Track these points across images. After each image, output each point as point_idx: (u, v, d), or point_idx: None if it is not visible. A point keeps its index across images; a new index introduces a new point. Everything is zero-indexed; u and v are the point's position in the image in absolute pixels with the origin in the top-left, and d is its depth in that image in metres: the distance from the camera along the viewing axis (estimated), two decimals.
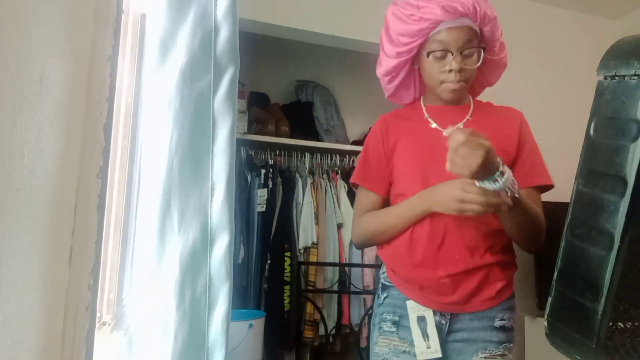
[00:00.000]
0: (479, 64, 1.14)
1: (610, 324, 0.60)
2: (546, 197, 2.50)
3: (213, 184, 0.61)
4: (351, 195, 2.95)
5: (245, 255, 2.71)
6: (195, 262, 0.60)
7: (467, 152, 0.91)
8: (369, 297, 2.84)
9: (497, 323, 1.14)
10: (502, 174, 0.96)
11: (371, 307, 2.59)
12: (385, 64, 1.21)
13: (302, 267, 2.85)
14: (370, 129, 1.39)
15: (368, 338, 2.59)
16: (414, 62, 1.20)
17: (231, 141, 0.63)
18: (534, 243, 1.16)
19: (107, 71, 0.61)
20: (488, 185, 0.97)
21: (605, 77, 0.62)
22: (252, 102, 3.05)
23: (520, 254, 2.65)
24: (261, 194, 2.77)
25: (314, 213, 2.87)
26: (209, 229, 0.61)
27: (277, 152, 3.01)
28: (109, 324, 0.94)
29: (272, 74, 3.38)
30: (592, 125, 0.64)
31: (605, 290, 0.59)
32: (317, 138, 3.15)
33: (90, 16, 0.59)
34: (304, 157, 3.09)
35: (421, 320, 1.13)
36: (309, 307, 2.82)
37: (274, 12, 2.32)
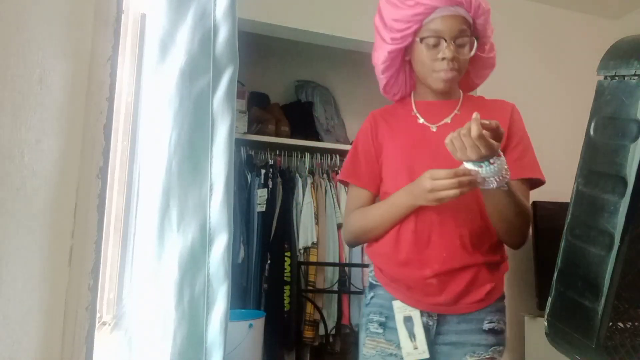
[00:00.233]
0: (472, 53, 1.13)
1: (610, 324, 0.60)
2: (546, 197, 2.51)
3: (212, 184, 0.61)
4: None
5: (245, 255, 2.72)
6: (194, 262, 0.60)
7: (467, 143, 0.91)
8: None
9: (486, 326, 1.12)
10: (499, 156, 0.95)
11: None
12: (380, 50, 1.20)
13: (302, 267, 2.85)
14: None
15: None
16: (406, 54, 1.19)
17: (230, 141, 0.63)
18: (518, 237, 1.13)
19: (107, 71, 0.61)
20: (483, 170, 0.94)
21: (605, 77, 0.62)
22: (252, 102, 3.06)
23: (520, 254, 2.65)
24: (261, 194, 2.78)
25: (314, 213, 2.87)
26: (207, 229, 0.61)
27: (277, 152, 3.01)
28: (109, 324, 0.94)
29: (272, 74, 3.38)
30: (592, 125, 0.64)
31: (605, 290, 0.59)
32: (317, 138, 3.15)
33: (90, 16, 0.59)
34: (304, 157, 3.10)
35: (408, 320, 1.11)
36: (309, 307, 2.82)
37: (273, 12, 2.32)
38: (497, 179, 0.96)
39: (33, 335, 0.46)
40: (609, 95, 0.61)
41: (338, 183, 3.01)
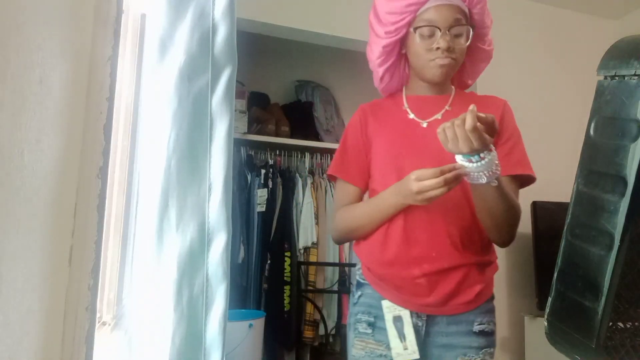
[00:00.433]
0: (468, 42, 1.10)
1: (610, 324, 0.60)
2: (546, 197, 2.51)
3: (210, 184, 0.61)
4: None
5: (245, 255, 2.72)
6: (192, 262, 0.60)
7: (460, 135, 0.89)
8: None
9: (476, 327, 1.10)
10: (490, 151, 0.93)
11: None
12: (374, 45, 1.18)
13: (302, 267, 2.85)
14: None
15: None
16: (402, 47, 1.16)
17: (229, 141, 0.63)
18: (507, 234, 1.10)
19: (107, 71, 0.61)
20: (473, 164, 0.92)
21: (605, 77, 0.62)
22: (252, 102, 3.06)
23: (520, 254, 2.64)
24: (261, 194, 2.78)
25: (314, 213, 2.87)
26: (206, 229, 0.61)
27: (277, 152, 3.01)
28: (109, 324, 0.94)
29: (272, 74, 3.38)
30: (592, 125, 0.64)
31: (605, 290, 0.59)
32: (317, 138, 3.15)
33: (90, 16, 0.59)
34: (304, 157, 3.10)
35: (397, 320, 1.08)
36: (309, 307, 2.82)
37: (273, 12, 2.32)
38: (487, 174, 0.94)
39: (33, 335, 0.46)
40: (609, 95, 0.61)
41: None
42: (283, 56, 3.32)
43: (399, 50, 1.17)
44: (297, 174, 2.99)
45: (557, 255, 0.69)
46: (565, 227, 0.68)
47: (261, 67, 3.25)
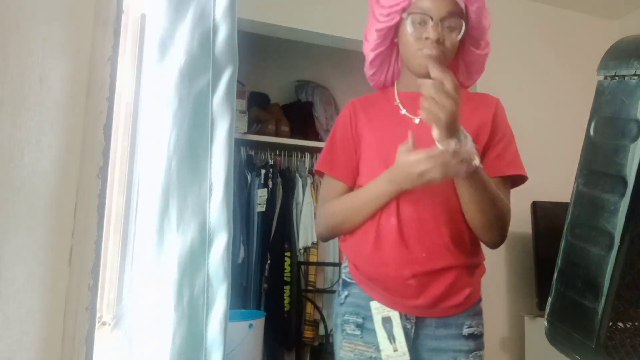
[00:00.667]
0: (459, 36, 1.07)
1: (610, 324, 0.60)
2: (546, 197, 2.51)
3: (211, 184, 0.61)
4: None
5: (245, 255, 2.72)
6: (193, 262, 0.60)
7: (443, 99, 0.89)
8: None
9: (466, 331, 1.08)
10: (466, 137, 0.93)
11: None
12: (370, 28, 1.16)
13: (302, 267, 2.85)
14: None
15: None
16: (395, 35, 1.13)
17: (229, 141, 0.63)
18: (496, 233, 1.07)
19: (107, 71, 0.61)
20: (451, 149, 0.92)
21: (605, 77, 0.62)
22: (252, 102, 3.06)
23: (520, 254, 2.64)
24: (261, 194, 2.78)
25: (314, 213, 2.87)
26: (207, 229, 0.61)
27: (277, 152, 3.01)
28: (109, 324, 0.94)
29: (272, 74, 3.38)
30: (592, 125, 0.64)
31: (605, 290, 0.59)
32: (317, 138, 3.15)
33: (90, 16, 0.59)
34: (304, 157, 3.10)
35: (386, 321, 1.06)
36: (309, 307, 2.82)
37: (273, 12, 2.32)
38: (466, 161, 0.94)
39: (33, 335, 0.46)
40: (609, 95, 0.61)
41: None
42: (283, 56, 3.33)
43: (392, 38, 1.14)
44: (297, 174, 2.99)
45: (557, 255, 0.69)
46: (565, 227, 0.68)
47: (261, 67, 3.25)
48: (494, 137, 1.13)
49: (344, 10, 2.41)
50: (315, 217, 1.28)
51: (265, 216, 2.78)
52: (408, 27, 1.07)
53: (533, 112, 2.73)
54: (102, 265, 0.82)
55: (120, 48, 0.64)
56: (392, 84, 1.22)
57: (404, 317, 1.06)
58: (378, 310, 1.07)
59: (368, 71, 1.22)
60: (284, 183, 2.91)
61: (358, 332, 1.09)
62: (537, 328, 2.33)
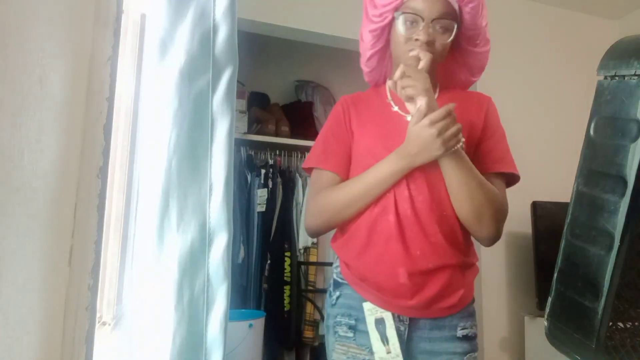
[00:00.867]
0: (451, 38, 1.06)
1: (610, 324, 0.60)
2: (546, 197, 2.50)
3: (211, 184, 0.61)
4: None
5: (245, 255, 2.72)
6: (193, 262, 0.60)
7: (414, 74, 0.97)
8: None
9: (460, 332, 1.07)
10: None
11: None
12: (364, 28, 1.15)
13: (302, 267, 2.85)
14: None
15: None
16: (389, 35, 1.13)
17: (230, 141, 0.63)
18: (489, 225, 1.04)
19: (107, 71, 0.61)
20: None
21: (605, 77, 0.62)
22: (252, 102, 3.06)
23: (520, 254, 2.63)
24: (261, 194, 2.78)
25: None
26: (207, 229, 0.61)
27: (277, 152, 3.01)
28: (109, 324, 0.94)
29: (272, 74, 3.38)
30: (592, 125, 0.64)
31: (605, 290, 0.59)
32: None
33: (90, 16, 0.59)
34: (304, 157, 3.09)
35: (379, 323, 1.04)
36: (309, 307, 2.82)
37: (274, 12, 2.32)
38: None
39: (33, 335, 0.46)
40: (609, 95, 0.61)
41: None
42: (283, 56, 3.33)
43: (387, 37, 1.13)
44: (297, 174, 2.99)
45: (557, 255, 0.69)
46: (565, 227, 0.68)
47: (261, 67, 3.25)
48: (485, 135, 1.12)
49: (343, 10, 2.41)
50: (306, 210, 1.22)
51: (265, 216, 2.78)
52: (399, 27, 1.06)
53: (533, 112, 2.73)
54: (102, 265, 0.82)
55: (120, 48, 0.64)
56: (384, 82, 1.21)
57: (398, 319, 1.05)
58: (371, 311, 1.05)
59: (365, 68, 1.21)
60: (284, 183, 2.91)
61: (350, 334, 1.07)
62: (537, 328, 2.33)
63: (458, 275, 1.07)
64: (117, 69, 0.63)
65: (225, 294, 0.61)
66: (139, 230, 0.61)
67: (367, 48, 1.16)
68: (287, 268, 2.77)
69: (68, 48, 0.52)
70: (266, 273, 2.76)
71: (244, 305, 2.60)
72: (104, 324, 0.93)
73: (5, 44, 0.38)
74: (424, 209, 1.04)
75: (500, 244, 2.55)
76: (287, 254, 2.78)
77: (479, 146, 1.12)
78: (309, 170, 1.20)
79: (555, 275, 0.69)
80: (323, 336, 2.85)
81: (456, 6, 1.07)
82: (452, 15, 1.06)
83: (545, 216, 2.35)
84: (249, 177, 2.84)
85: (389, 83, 1.03)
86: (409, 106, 1.02)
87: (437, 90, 1.16)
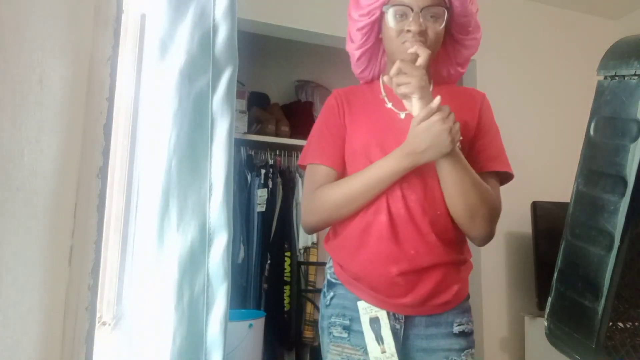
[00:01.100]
0: (443, 25, 1.05)
1: (610, 324, 0.60)
2: (546, 197, 2.50)
3: (211, 184, 0.61)
4: None
5: (245, 255, 2.72)
6: (193, 262, 0.60)
7: (410, 71, 0.96)
8: None
9: (456, 329, 1.06)
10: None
11: None
12: (352, 27, 1.14)
13: (302, 267, 2.85)
14: None
15: None
16: (379, 31, 1.12)
17: (229, 141, 0.63)
18: (482, 224, 1.04)
19: (107, 71, 0.61)
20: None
21: (605, 77, 0.62)
22: (252, 102, 3.06)
23: (520, 254, 2.64)
24: (261, 194, 2.78)
25: None
26: (207, 229, 0.61)
27: (277, 152, 3.01)
28: (109, 324, 0.94)
29: (272, 74, 3.38)
30: (592, 125, 0.64)
31: (605, 290, 0.59)
32: None
33: (90, 16, 0.59)
34: None
35: (374, 322, 1.02)
36: (309, 307, 2.82)
37: (274, 12, 2.32)
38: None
39: (33, 335, 0.46)
40: (609, 95, 0.61)
41: None
42: (283, 56, 3.33)
43: (377, 34, 1.12)
44: (297, 174, 2.99)
45: (557, 255, 0.69)
46: (565, 227, 0.68)
47: (261, 67, 3.25)
48: (479, 132, 1.12)
49: (344, 11, 2.41)
50: (303, 206, 1.18)
51: (265, 216, 2.78)
52: (389, 21, 1.05)
53: (533, 112, 2.73)
54: (102, 265, 0.82)
55: (120, 48, 0.64)
56: (378, 77, 1.20)
57: (393, 317, 1.04)
58: (365, 310, 1.04)
59: (357, 69, 1.20)
60: (284, 183, 2.91)
61: (345, 335, 1.06)
62: (537, 328, 2.33)
63: (452, 271, 1.06)
64: (117, 69, 0.63)
65: (225, 294, 0.61)
66: (139, 230, 0.61)
67: (356, 47, 1.15)
68: (287, 268, 2.77)
69: (68, 48, 0.52)
70: (266, 273, 2.76)
71: (244, 305, 2.60)
72: (104, 324, 0.93)
73: (5, 44, 0.38)
74: (418, 208, 1.03)
75: (500, 244, 2.55)
76: (287, 254, 2.78)
77: (474, 144, 1.11)
78: (304, 167, 1.18)
79: (555, 275, 0.69)
80: None
81: None
82: (441, 2, 1.05)
83: (545, 216, 2.35)
84: (249, 177, 2.84)
85: (384, 78, 1.02)
86: (406, 103, 1.01)
87: (431, 85, 1.14)
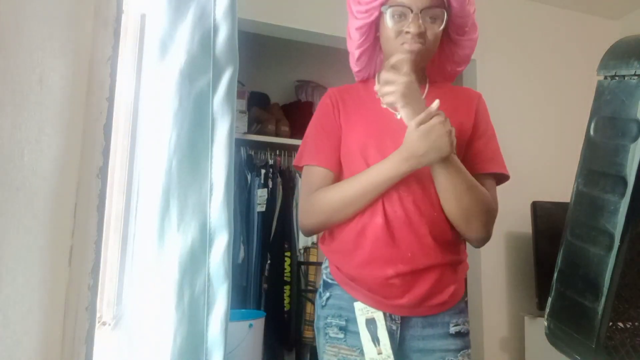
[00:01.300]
0: (442, 27, 1.04)
1: (610, 324, 0.60)
2: (546, 197, 2.50)
3: (212, 184, 0.61)
4: None
5: (245, 255, 2.72)
6: (194, 262, 0.60)
7: (395, 79, 0.96)
8: None
9: (452, 329, 1.06)
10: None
11: None
12: (351, 27, 1.13)
13: (302, 267, 2.85)
14: None
15: None
16: (377, 30, 1.11)
17: (230, 141, 0.63)
18: (478, 226, 1.04)
19: (107, 71, 0.61)
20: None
21: (605, 77, 0.62)
22: (252, 102, 3.06)
23: (520, 254, 2.64)
24: (261, 194, 2.78)
25: None
26: (207, 229, 0.61)
27: (277, 152, 3.01)
28: (109, 324, 0.94)
29: (272, 74, 3.38)
30: (592, 125, 0.64)
31: (605, 290, 0.59)
32: None
33: (90, 16, 0.59)
34: None
35: (370, 323, 1.02)
36: (309, 307, 2.82)
37: (274, 12, 2.32)
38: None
39: (33, 335, 0.46)
40: (609, 95, 0.61)
41: None
42: (283, 56, 3.33)
43: (375, 33, 1.12)
44: (297, 174, 2.99)
45: (557, 255, 0.69)
46: (565, 227, 0.68)
47: (261, 67, 3.25)
48: (475, 133, 1.11)
49: (344, 11, 2.41)
50: (300, 208, 1.16)
51: (265, 216, 2.78)
52: (388, 21, 1.04)
53: (533, 112, 2.73)
54: (102, 265, 0.82)
55: (120, 48, 0.64)
56: (374, 76, 1.20)
57: (389, 318, 1.04)
58: (362, 311, 1.04)
59: (355, 67, 1.20)
60: (284, 183, 2.91)
61: (341, 336, 1.06)
62: (537, 328, 2.33)
63: (449, 272, 1.06)
64: (117, 69, 0.63)
65: (225, 294, 0.61)
66: (139, 230, 0.61)
67: (356, 46, 1.14)
68: (287, 268, 2.77)
69: (68, 48, 0.52)
70: (266, 273, 2.76)
71: (244, 305, 2.60)
72: (104, 324, 0.93)
73: (5, 44, 0.38)
74: (415, 211, 1.03)
75: (500, 244, 2.55)
76: (287, 254, 2.78)
77: (470, 145, 1.11)
78: (300, 168, 1.17)
79: (555, 275, 0.69)
80: None
81: None
82: (440, 4, 1.04)
83: (545, 216, 2.35)
84: (249, 177, 2.84)
85: (376, 87, 1.02)
86: (398, 113, 1.02)
87: (427, 84, 1.15)
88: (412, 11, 1.02)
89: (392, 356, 1.00)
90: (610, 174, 0.60)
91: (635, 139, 0.57)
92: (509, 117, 2.56)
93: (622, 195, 0.58)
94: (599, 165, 0.63)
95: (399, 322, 1.05)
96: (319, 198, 1.08)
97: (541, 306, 2.26)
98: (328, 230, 1.15)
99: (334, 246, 1.11)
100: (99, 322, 0.91)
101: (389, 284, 1.02)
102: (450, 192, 1.01)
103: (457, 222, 1.05)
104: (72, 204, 0.55)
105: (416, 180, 1.04)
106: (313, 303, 2.81)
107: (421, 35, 1.02)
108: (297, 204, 2.90)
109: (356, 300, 1.05)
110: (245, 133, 2.80)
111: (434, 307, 1.05)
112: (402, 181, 1.03)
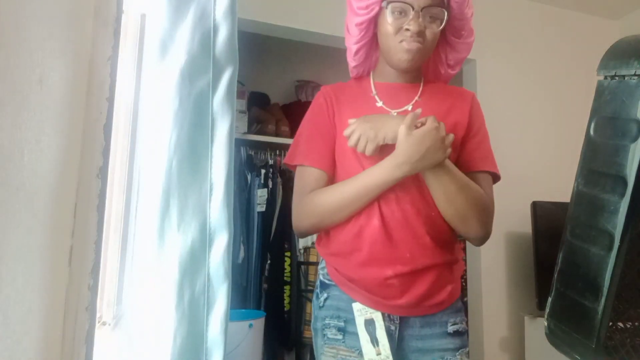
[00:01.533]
0: (441, 27, 1.04)
1: (610, 324, 0.60)
2: (546, 197, 2.50)
3: (212, 184, 0.61)
4: None
5: (245, 255, 2.72)
6: (194, 262, 0.60)
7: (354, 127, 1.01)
8: None
9: (451, 328, 1.06)
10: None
11: None
12: (350, 22, 1.13)
13: (302, 267, 2.85)
14: None
15: None
16: (376, 26, 1.10)
17: (230, 141, 0.63)
18: (475, 225, 1.04)
19: (107, 71, 0.61)
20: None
21: (605, 77, 0.62)
22: (252, 102, 3.06)
23: (520, 254, 2.64)
24: (261, 194, 2.78)
25: None
26: (207, 229, 0.61)
27: (277, 152, 3.01)
28: (109, 324, 0.94)
29: (272, 74, 3.38)
30: (592, 125, 0.64)
31: (605, 290, 0.59)
32: None
33: (90, 16, 0.59)
34: None
35: (369, 324, 1.02)
36: (309, 307, 2.82)
37: (274, 12, 2.32)
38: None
39: (33, 335, 0.46)
40: (609, 95, 0.61)
41: None
42: (283, 56, 3.32)
43: (374, 29, 1.11)
44: None
45: (557, 255, 0.69)
46: (565, 227, 0.68)
47: (261, 67, 3.25)
48: (469, 132, 1.12)
49: (344, 11, 2.41)
50: (293, 210, 1.15)
51: (265, 216, 2.78)
52: (388, 17, 1.03)
53: (533, 112, 2.73)
54: (102, 265, 0.82)
55: (120, 48, 0.64)
56: (369, 74, 1.19)
57: (388, 319, 1.04)
58: (361, 312, 1.04)
59: (352, 62, 1.19)
60: (284, 183, 2.91)
61: (340, 337, 1.05)
62: (537, 328, 2.33)
63: (446, 272, 1.07)
64: (117, 69, 0.63)
65: (225, 294, 0.61)
66: (139, 230, 0.61)
67: (354, 42, 1.13)
68: (287, 268, 2.77)
69: (68, 48, 0.52)
70: (266, 273, 2.76)
71: (244, 305, 2.60)
72: (104, 324, 0.93)
73: (5, 44, 0.38)
74: (412, 211, 1.04)
75: (500, 244, 2.55)
76: (287, 254, 2.78)
77: (465, 144, 1.11)
78: (292, 166, 1.16)
79: (555, 275, 0.69)
80: None
81: None
82: (441, 4, 1.04)
83: (545, 216, 2.35)
84: (249, 177, 2.84)
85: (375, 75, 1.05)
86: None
87: (422, 83, 1.15)
88: (413, 8, 1.01)
89: (391, 356, 1.01)
90: (610, 174, 0.60)
91: (635, 139, 0.57)
92: (509, 117, 2.56)
93: (622, 195, 0.58)
94: (599, 165, 0.63)
95: (397, 322, 1.05)
96: (312, 200, 1.07)
97: (541, 306, 2.26)
98: (324, 231, 1.14)
99: (331, 248, 1.11)
100: (99, 322, 0.91)
101: (388, 284, 1.02)
102: (442, 193, 1.01)
103: (454, 223, 1.05)
104: (72, 204, 0.55)
105: (413, 180, 1.04)
106: None
107: (420, 34, 1.02)
108: None
109: (354, 301, 1.05)
110: (245, 133, 2.80)
111: (432, 307, 1.05)
112: (400, 183, 1.03)
